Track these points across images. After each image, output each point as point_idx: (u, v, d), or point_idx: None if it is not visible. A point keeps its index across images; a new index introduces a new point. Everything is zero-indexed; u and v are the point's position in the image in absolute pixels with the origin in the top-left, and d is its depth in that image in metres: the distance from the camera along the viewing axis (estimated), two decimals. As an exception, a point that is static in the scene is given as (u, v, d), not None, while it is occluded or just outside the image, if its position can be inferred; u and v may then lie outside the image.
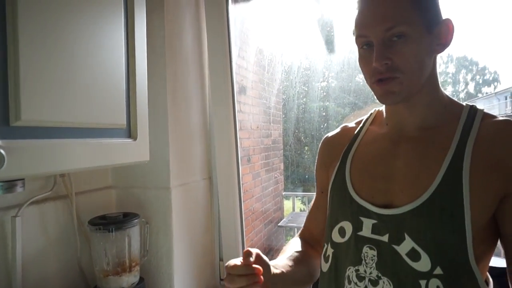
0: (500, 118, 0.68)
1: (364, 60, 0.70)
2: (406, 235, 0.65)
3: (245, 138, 2.34)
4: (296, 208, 3.35)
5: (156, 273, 1.27)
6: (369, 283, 0.69)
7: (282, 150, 3.05)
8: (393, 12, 0.64)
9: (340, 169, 0.80)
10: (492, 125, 0.67)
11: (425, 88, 0.70)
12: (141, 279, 1.17)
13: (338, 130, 0.90)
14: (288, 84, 2.08)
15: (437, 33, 0.67)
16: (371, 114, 0.87)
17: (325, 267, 0.80)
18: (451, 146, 0.67)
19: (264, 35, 2.05)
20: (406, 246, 0.65)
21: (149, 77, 0.89)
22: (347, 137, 0.85)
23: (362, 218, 0.72)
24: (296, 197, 3.38)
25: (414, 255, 0.64)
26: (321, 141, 0.91)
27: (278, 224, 3.15)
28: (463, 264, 0.62)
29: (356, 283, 0.71)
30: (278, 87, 2.35)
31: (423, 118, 0.72)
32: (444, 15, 0.68)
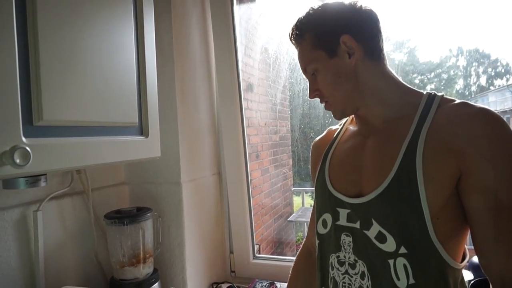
0: (456, 102, 0.71)
1: None
2: (373, 220, 0.71)
3: (253, 135, 2.38)
4: (306, 203, 3.38)
5: (169, 264, 1.32)
6: (349, 267, 0.76)
7: (290, 146, 3.08)
8: (302, 57, 0.80)
9: (321, 168, 0.87)
10: (447, 109, 0.71)
11: (366, 92, 0.77)
12: (155, 270, 1.22)
13: (324, 133, 0.98)
14: (293, 81, 2.11)
15: (342, 52, 0.75)
16: None
17: (315, 257, 0.88)
18: (408, 133, 0.71)
19: (269, 33, 2.09)
20: (374, 230, 0.71)
21: (158, 77, 0.94)
22: (329, 139, 0.92)
23: (338, 209, 0.78)
24: (306, 192, 3.41)
25: (381, 237, 0.70)
26: (311, 146, 0.99)
27: (288, 219, 3.18)
28: (424, 242, 0.67)
29: (338, 268, 0.79)
30: (283, 84, 2.38)
31: (382, 112, 0.77)
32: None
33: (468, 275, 1.08)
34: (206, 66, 1.51)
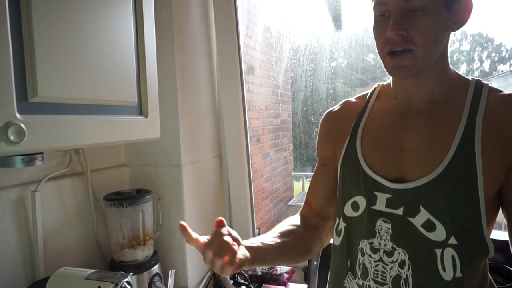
0: (506, 93, 0.70)
1: (379, 29, 0.70)
2: (421, 207, 0.68)
3: (254, 118, 2.36)
4: (306, 188, 3.39)
5: (169, 247, 1.32)
6: (384, 254, 0.72)
7: (291, 131, 3.06)
8: None
9: (350, 144, 0.80)
10: (499, 99, 0.70)
11: (436, 64, 0.71)
12: (155, 252, 1.22)
13: (340, 105, 0.90)
14: (296, 62, 2.08)
15: (456, 11, 0.67)
16: (374, 89, 0.87)
17: (337, 240, 0.82)
18: (461, 119, 0.68)
19: (271, 13, 2.04)
20: (421, 218, 0.68)
21: (158, 55, 0.92)
22: (352, 113, 0.85)
23: (376, 193, 0.73)
24: (306, 177, 3.41)
25: (429, 225, 0.67)
26: (323, 116, 0.92)
27: (288, 204, 3.19)
28: (476, 233, 0.65)
29: (370, 255, 0.74)
30: (286, 65, 2.34)
31: (432, 92, 0.73)
32: None
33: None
34: (206, 45, 1.48)
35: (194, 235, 0.69)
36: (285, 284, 1.40)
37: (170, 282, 1.08)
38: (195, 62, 1.39)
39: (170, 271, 1.09)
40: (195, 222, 1.36)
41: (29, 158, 0.68)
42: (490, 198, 0.66)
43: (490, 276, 0.74)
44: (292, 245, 0.84)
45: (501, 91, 0.71)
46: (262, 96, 2.47)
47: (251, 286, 1.37)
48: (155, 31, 0.90)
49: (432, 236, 0.67)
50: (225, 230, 0.70)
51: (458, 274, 0.65)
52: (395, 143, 0.74)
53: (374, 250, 0.73)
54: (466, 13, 0.68)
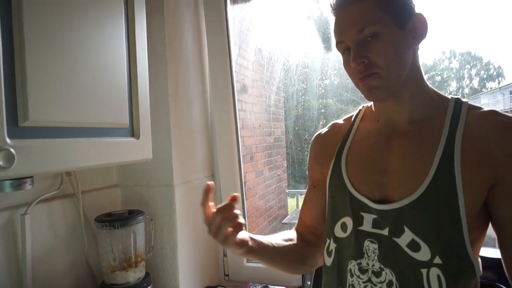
0: (485, 110, 0.71)
1: (346, 63, 0.74)
2: (405, 228, 0.68)
3: (247, 137, 2.36)
4: (300, 205, 3.38)
5: (161, 268, 1.30)
6: (372, 275, 0.72)
7: (284, 148, 3.07)
8: (363, 16, 0.68)
9: (335, 166, 0.82)
10: (478, 116, 0.70)
11: (409, 81, 0.72)
12: (147, 274, 1.20)
13: (328, 127, 0.92)
14: (287, 82, 2.10)
15: (411, 28, 0.70)
16: (359, 110, 0.89)
17: (328, 261, 0.82)
18: (441, 139, 0.69)
19: (263, 34, 2.08)
20: (406, 238, 0.68)
21: (150, 77, 0.93)
22: (338, 134, 0.87)
23: (362, 214, 0.74)
24: (300, 194, 3.40)
25: (414, 246, 0.67)
26: (313, 138, 0.94)
27: (283, 221, 3.17)
28: (460, 252, 0.65)
29: (358, 276, 0.74)
30: (277, 85, 2.37)
31: (412, 111, 0.75)
32: (420, 10, 0.71)
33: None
34: (199, 67, 1.50)
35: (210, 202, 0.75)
36: (279, 305, 1.37)
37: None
38: (188, 83, 1.41)
39: (162, 294, 1.07)
40: (187, 243, 1.35)
41: (18, 182, 0.67)
42: (474, 216, 0.66)
43: None
44: (290, 250, 0.87)
45: (480, 108, 0.72)
46: (255, 114, 2.48)
47: (245, 307, 1.35)
48: (147, 53, 0.91)
49: (417, 256, 0.67)
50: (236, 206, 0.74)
51: None
52: (379, 164, 0.75)
53: (363, 271, 0.73)
54: (423, 28, 0.70)
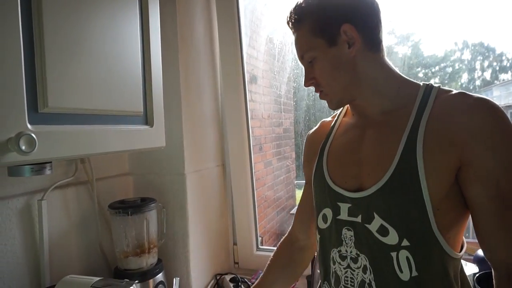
0: (453, 92, 0.71)
1: None
2: (375, 214, 0.71)
3: (256, 127, 2.37)
4: (308, 196, 3.38)
5: (173, 255, 1.32)
6: (351, 261, 0.76)
7: (293, 139, 3.07)
8: (300, 44, 0.78)
9: (318, 162, 0.86)
10: (445, 100, 0.71)
11: (364, 83, 0.76)
12: (159, 261, 1.23)
13: (317, 126, 0.97)
14: (298, 72, 2.09)
15: (343, 40, 0.73)
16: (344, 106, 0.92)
17: (317, 252, 0.88)
18: (407, 125, 0.71)
19: (274, 24, 2.07)
20: (376, 223, 0.71)
21: (162, 66, 0.93)
22: (324, 131, 0.91)
23: (339, 203, 0.78)
24: (308, 185, 3.40)
25: (383, 231, 0.71)
26: (306, 138, 0.99)
27: (291, 212, 3.18)
28: (426, 234, 0.67)
29: (339, 263, 0.78)
30: (288, 75, 2.36)
31: (380, 104, 0.77)
32: (345, 20, 0.72)
33: (473, 268, 1.07)
34: (210, 56, 1.50)
35: None
36: (288, 293, 1.39)
37: (174, 290, 1.09)
38: (199, 72, 1.41)
39: (174, 279, 1.09)
40: (198, 230, 1.37)
41: (38, 167, 0.69)
42: (442, 198, 0.67)
43: (476, 283, 0.75)
44: (279, 265, 0.98)
45: (450, 91, 0.72)
46: (264, 105, 2.48)
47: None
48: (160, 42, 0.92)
49: (386, 240, 0.70)
50: None
51: (414, 273, 0.68)
52: (353, 156, 0.78)
53: (342, 258, 0.78)
54: (354, 35, 0.73)
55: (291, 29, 0.80)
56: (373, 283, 0.72)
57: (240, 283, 1.41)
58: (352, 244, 0.76)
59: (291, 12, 0.78)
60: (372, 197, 0.72)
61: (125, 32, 0.81)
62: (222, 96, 1.55)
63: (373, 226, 0.72)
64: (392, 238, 0.69)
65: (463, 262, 1.10)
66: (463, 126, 0.66)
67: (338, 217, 0.78)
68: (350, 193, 0.76)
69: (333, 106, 0.81)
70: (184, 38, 1.30)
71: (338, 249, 0.78)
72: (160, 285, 1.18)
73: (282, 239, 1.04)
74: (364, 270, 0.74)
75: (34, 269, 0.98)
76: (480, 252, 1.15)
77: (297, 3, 0.78)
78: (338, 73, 0.75)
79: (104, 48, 0.75)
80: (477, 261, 1.12)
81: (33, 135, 0.57)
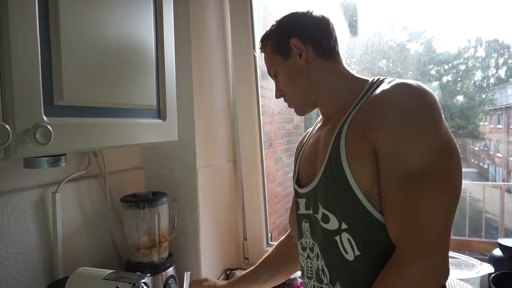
0: (382, 87, 0.73)
1: None
2: (319, 204, 0.78)
3: (267, 123, 2.36)
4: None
5: (183, 249, 1.33)
6: (309, 251, 0.84)
7: (304, 136, 3.06)
8: (266, 62, 0.89)
9: (295, 165, 0.94)
10: (373, 94, 0.73)
11: (319, 88, 0.83)
12: (170, 255, 1.23)
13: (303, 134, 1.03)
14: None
15: (294, 53, 0.82)
16: None
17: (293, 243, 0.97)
18: (342, 120, 0.75)
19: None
20: (320, 213, 0.78)
21: (175, 61, 0.93)
22: (304, 138, 0.99)
23: (298, 200, 0.87)
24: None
25: (325, 218, 0.77)
26: None
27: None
28: (362, 215, 0.70)
29: (302, 254, 0.87)
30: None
31: (335, 104, 0.82)
32: (293, 35, 0.82)
33: (488, 268, 1.05)
34: (222, 51, 1.50)
35: None
36: (298, 289, 1.39)
37: (186, 284, 1.09)
38: (211, 67, 1.41)
39: (185, 273, 1.09)
40: (209, 225, 1.37)
41: (54, 159, 0.70)
42: (367, 181, 0.69)
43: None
44: (273, 260, 1.07)
45: (383, 84, 0.74)
46: (275, 101, 2.47)
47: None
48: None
49: (328, 226, 0.76)
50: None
51: (357, 252, 0.72)
52: (313, 154, 0.84)
53: (303, 249, 0.86)
54: (300, 47, 0.81)
55: (261, 53, 0.91)
56: (325, 269, 0.78)
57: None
58: (309, 235, 0.83)
59: (260, 39, 0.90)
60: (316, 189, 0.79)
61: (139, 26, 0.81)
62: (233, 91, 1.55)
63: (319, 216, 0.78)
64: (333, 224, 0.75)
65: (477, 262, 1.08)
66: (373, 110, 0.70)
67: (298, 212, 0.87)
68: (302, 189, 0.84)
69: (299, 112, 0.89)
70: (197, 33, 1.30)
71: (300, 241, 0.87)
72: (171, 279, 1.18)
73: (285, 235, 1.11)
74: (317, 257, 0.80)
75: (48, 261, 0.99)
76: (495, 252, 1.13)
77: (264, 33, 0.90)
78: (295, 81, 0.84)
79: (119, 42, 0.75)
80: (493, 261, 1.10)
81: (49, 127, 0.57)
